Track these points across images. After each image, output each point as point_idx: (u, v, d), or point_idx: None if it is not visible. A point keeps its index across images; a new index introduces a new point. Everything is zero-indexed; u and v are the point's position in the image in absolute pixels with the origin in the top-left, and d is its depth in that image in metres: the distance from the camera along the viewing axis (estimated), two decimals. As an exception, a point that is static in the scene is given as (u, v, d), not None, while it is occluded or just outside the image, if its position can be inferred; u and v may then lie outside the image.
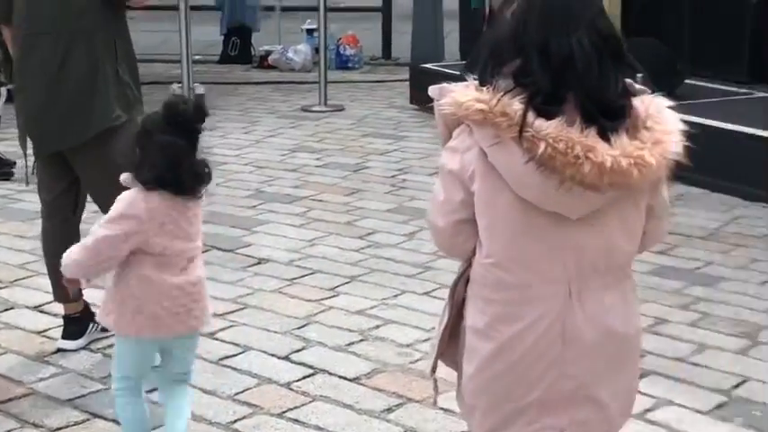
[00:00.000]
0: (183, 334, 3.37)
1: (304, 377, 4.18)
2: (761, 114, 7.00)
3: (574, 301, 2.42)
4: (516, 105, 2.32)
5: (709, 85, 7.86)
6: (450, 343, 2.63)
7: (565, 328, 2.43)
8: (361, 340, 4.54)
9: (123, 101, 4.21)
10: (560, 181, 2.31)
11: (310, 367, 4.27)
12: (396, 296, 5.05)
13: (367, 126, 9.03)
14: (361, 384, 4.12)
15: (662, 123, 2.36)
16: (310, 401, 3.98)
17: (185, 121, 3.26)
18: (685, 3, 8.58)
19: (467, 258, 2.54)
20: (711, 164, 5.98)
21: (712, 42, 8.34)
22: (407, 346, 4.47)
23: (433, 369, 2.68)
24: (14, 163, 7.17)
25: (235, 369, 4.26)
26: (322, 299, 5.04)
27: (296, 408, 3.93)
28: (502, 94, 2.34)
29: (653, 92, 2.45)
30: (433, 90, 2.50)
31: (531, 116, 2.31)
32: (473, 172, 2.41)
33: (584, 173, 2.28)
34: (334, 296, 5.07)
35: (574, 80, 2.30)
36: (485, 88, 2.36)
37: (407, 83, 10.26)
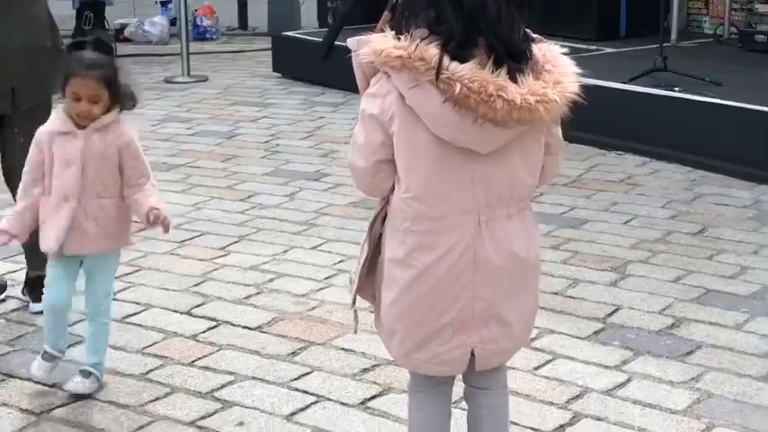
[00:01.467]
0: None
1: (208, 329, 4.36)
2: (611, 68, 7.44)
3: (483, 229, 2.69)
4: (432, 51, 2.56)
5: (562, 43, 8.27)
6: (368, 278, 2.87)
7: (476, 254, 2.69)
8: (258, 293, 4.74)
9: None
10: (474, 118, 2.57)
11: (212, 320, 4.45)
12: (285, 252, 5.26)
13: (233, 95, 9.16)
14: (264, 332, 4.33)
15: (559, 66, 2.64)
16: (218, 350, 4.17)
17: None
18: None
19: (384, 197, 2.78)
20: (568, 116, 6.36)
21: (562, 3, 8.75)
22: (303, 296, 4.69)
23: (354, 302, 2.90)
24: None
25: (139, 326, 4.41)
26: (214, 258, 5.21)
27: (205, 357, 4.11)
28: (419, 41, 2.58)
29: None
30: (351, 41, 2.72)
31: (446, 60, 2.55)
32: (392, 115, 2.64)
33: (496, 110, 2.54)
34: (225, 255, 5.25)
35: (485, 26, 2.55)
36: (401, 37, 2.59)
37: (268, 52, 10.41)
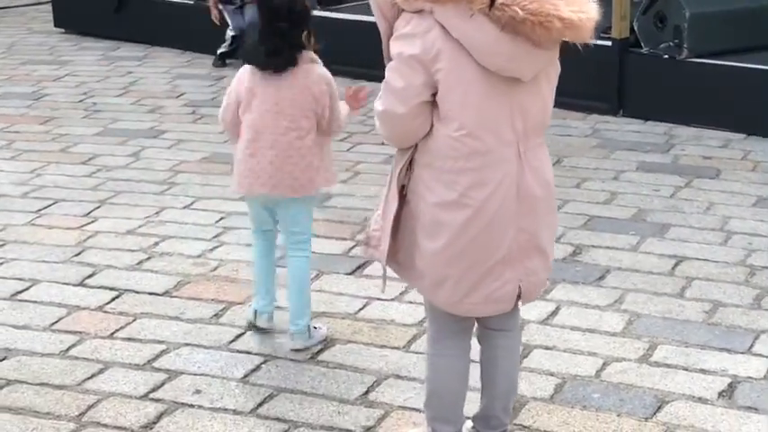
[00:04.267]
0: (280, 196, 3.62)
1: (112, 299, 4.13)
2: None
3: (523, 160, 2.66)
4: None
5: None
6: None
7: (518, 186, 2.66)
8: (149, 258, 4.53)
9: None
10: (531, 43, 2.51)
11: (112, 289, 4.22)
12: (157, 213, 5.03)
13: (20, 54, 8.60)
14: (176, 297, 4.14)
15: None
16: (134, 320, 3.96)
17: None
18: None
19: (413, 144, 2.68)
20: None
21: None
22: (198, 256, 4.51)
23: (387, 257, 2.78)
24: None
25: (34, 302, 4.12)
26: (82, 225, 4.92)
27: (122, 328, 3.89)
28: None
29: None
30: (367, -17, 2.61)
31: None
32: (437, 52, 2.55)
33: (551, 30, 2.48)
34: (92, 221, 4.97)
35: None
36: None
37: (38, 7, 9.95)
